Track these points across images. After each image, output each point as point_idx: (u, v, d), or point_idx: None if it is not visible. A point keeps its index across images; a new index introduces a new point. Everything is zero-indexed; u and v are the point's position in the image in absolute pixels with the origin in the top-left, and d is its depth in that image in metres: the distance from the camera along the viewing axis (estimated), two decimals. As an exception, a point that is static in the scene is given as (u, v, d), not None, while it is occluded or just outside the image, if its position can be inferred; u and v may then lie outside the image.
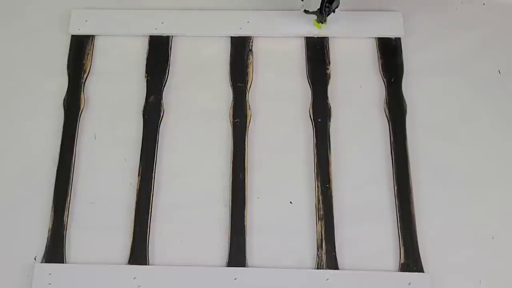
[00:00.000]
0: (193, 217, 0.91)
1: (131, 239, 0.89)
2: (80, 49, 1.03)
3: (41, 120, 0.98)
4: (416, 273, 0.87)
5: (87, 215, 0.92)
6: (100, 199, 0.93)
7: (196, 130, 0.98)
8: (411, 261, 0.88)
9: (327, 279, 0.86)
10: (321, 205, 0.91)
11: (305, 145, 0.96)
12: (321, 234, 0.89)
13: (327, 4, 0.98)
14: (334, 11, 1.00)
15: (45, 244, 0.89)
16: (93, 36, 1.04)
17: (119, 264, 0.88)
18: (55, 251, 0.89)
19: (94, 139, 0.97)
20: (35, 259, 0.89)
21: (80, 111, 0.98)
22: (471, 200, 0.92)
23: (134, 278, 0.87)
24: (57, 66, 1.02)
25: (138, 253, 0.89)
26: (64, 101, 0.99)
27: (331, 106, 0.98)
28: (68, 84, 1.00)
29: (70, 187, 0.93)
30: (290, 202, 0.93)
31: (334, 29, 1.03)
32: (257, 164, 0.95)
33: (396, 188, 0.92)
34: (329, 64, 1.02)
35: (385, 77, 1.01)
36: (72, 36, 1.04)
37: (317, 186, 0.92)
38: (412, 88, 1.00)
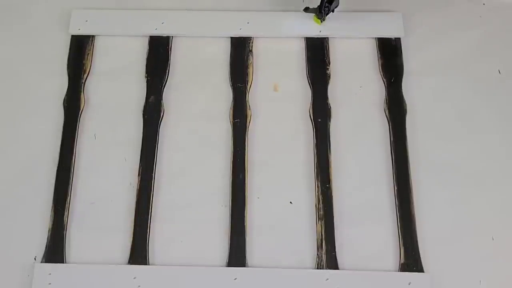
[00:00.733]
0: (193, 217, 0.91)
1: (131, 239, 0.89)
2: (80, 49, 1.03)
3: (41, 120, 0.98)
4: (416, 273, 0.87)
5: (87, 215, 0.92)
6: (100, 199, 0.93)
7: (196, 130, 0.98)
8: (411, 261, 0.88)
9: (327, 279, 0.86)
10: (321, 205, 0.91)
11: (305, 145, 0.96)
12: (321, 234, 0.89)
13: (326, 4, 0.98)
14: (333, 11, 1.00)
15: (45, 244, 0.89)
16: (93, 36, 1.04)
17: (119, 264, 0.88)
18: (55, 251, 0.89)
19: (94, 139, 0.97)
20: (35, 259, 0.89)
21: (80, 111, 0.98)
22: (471, 200, 0.92)
23: (134, 278, 0.87)
24: (57, 66, 1.02)
25: (138, 253, 0.89)
26: (64, 101, 0.99)
27: (331, 106, 0.98)
28: (68, 84, 1.00)
29: (70, 187, 0.93)
30: (290, 202, 0.93)
31: (334, 29, 1.03)
32: (257, 164, 0.95)
33: (396, 188, 0.92)
34: (329, 64, 1.02)
35: (385, 77, 1.01)
36: (72, 36, 1.04)
37: (317, 186, 0.92)
38: (412, 88, 1.00)
